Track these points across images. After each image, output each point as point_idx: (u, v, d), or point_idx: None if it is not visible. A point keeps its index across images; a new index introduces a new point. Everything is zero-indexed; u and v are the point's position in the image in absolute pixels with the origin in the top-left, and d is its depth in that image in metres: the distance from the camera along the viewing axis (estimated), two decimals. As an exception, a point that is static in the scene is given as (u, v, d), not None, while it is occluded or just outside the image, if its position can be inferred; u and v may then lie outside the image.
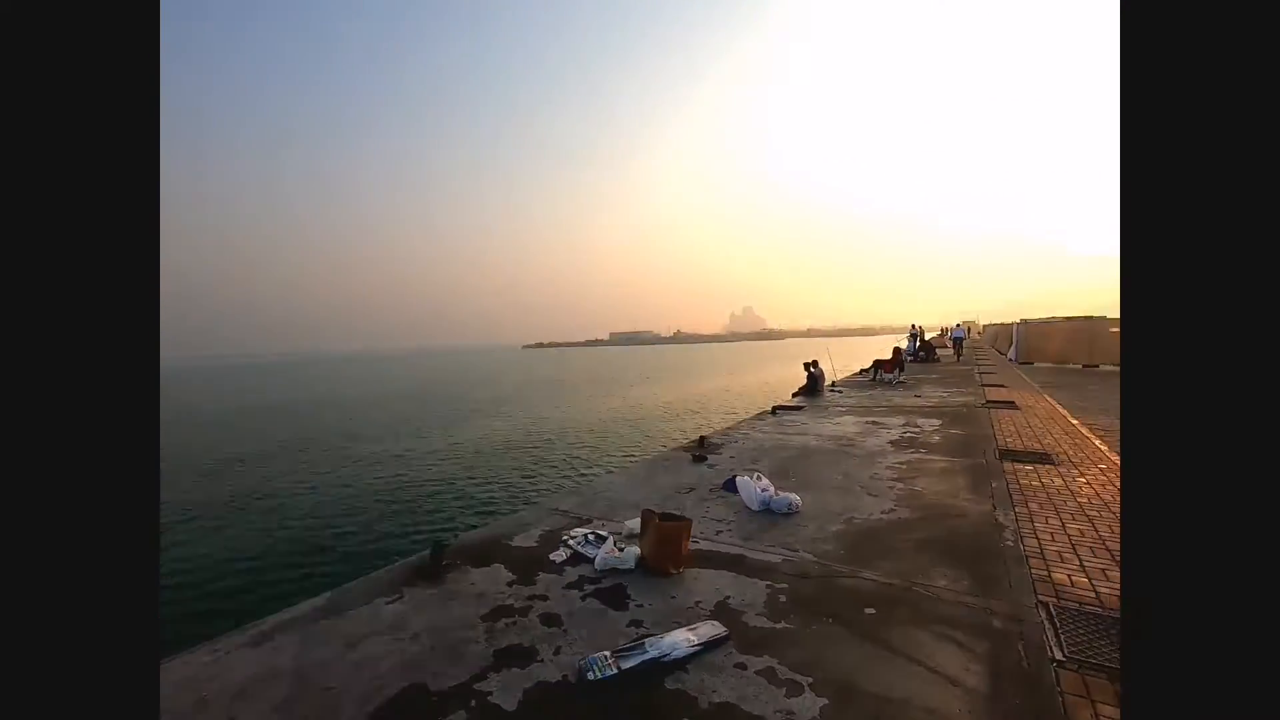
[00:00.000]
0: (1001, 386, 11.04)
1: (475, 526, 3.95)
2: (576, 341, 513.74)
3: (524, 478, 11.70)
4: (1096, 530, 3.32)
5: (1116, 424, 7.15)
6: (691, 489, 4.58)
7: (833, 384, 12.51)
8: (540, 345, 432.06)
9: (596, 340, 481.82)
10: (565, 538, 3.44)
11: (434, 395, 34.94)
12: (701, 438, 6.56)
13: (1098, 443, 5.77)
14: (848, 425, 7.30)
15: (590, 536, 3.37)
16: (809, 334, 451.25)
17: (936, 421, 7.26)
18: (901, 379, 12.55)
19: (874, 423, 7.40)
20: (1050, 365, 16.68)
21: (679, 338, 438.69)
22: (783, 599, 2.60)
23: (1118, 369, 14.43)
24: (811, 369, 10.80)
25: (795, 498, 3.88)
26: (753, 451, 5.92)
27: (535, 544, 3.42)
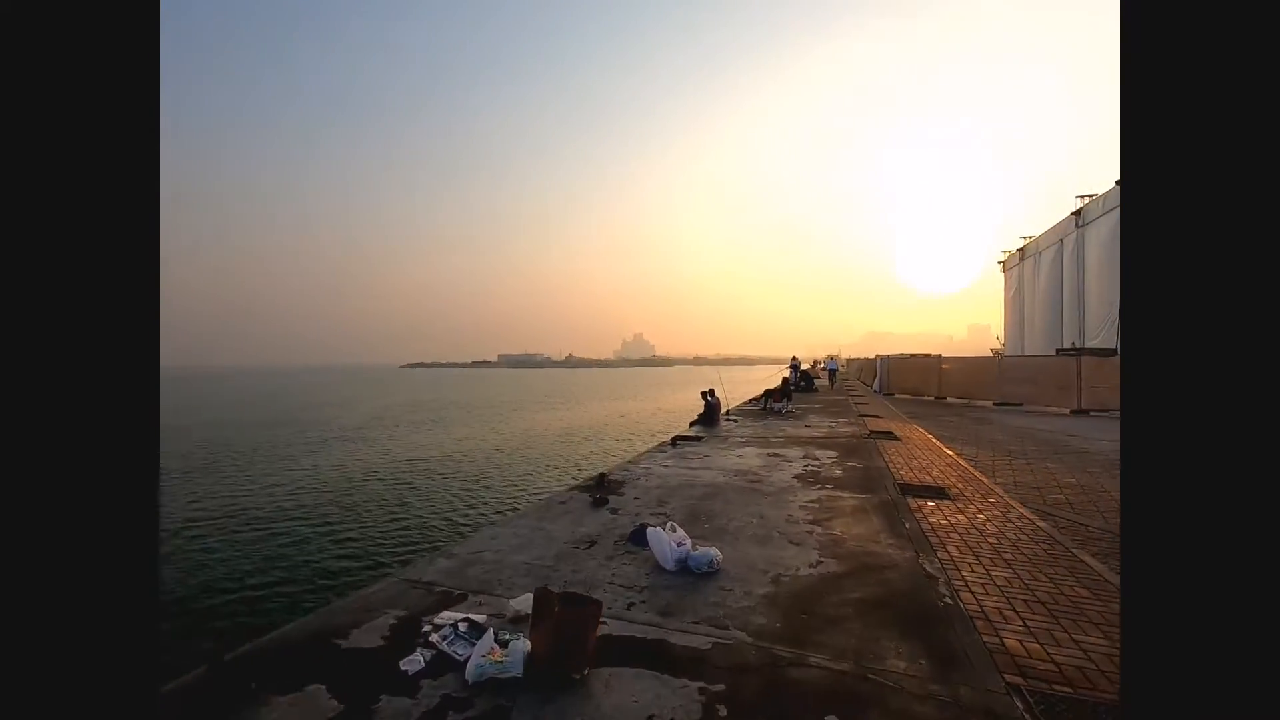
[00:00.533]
0: (877, 417, 11.79)
1: (295, 617, 2.86)
2: (462, 362, 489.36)
3: (378, 532, 9.31)
4: (1020, 576, 3.18)
5: (983, 453, 7.73)
6: (593, 542, 3.85)
7: (727, 413, 12.55)
8: (420, 365, 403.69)
9: (485, 361, 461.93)
10: (426, 629, 2.53)
11: (266, 420, 29.17)
12: (601, 475, 5.87)
13: (978, 474, 6.06)
14: (750, 458, 7.07)
15: (461, 626, 2.50)
16: (695, 361, 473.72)
17: (833, 454, 7.30)
18: (790, 408, 12.97)
19: (775, 455, 7.25)
20: (908, 396, 18.53)
21: (570, 362, 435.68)
22: (723, 712, 1.97)
23: (961, 400, 16.38)
24: (709, 397, 10.67)
25: (715, 553, 3.33)
26: (659, 491, 5.35)
27: (381, 641, 2.47)
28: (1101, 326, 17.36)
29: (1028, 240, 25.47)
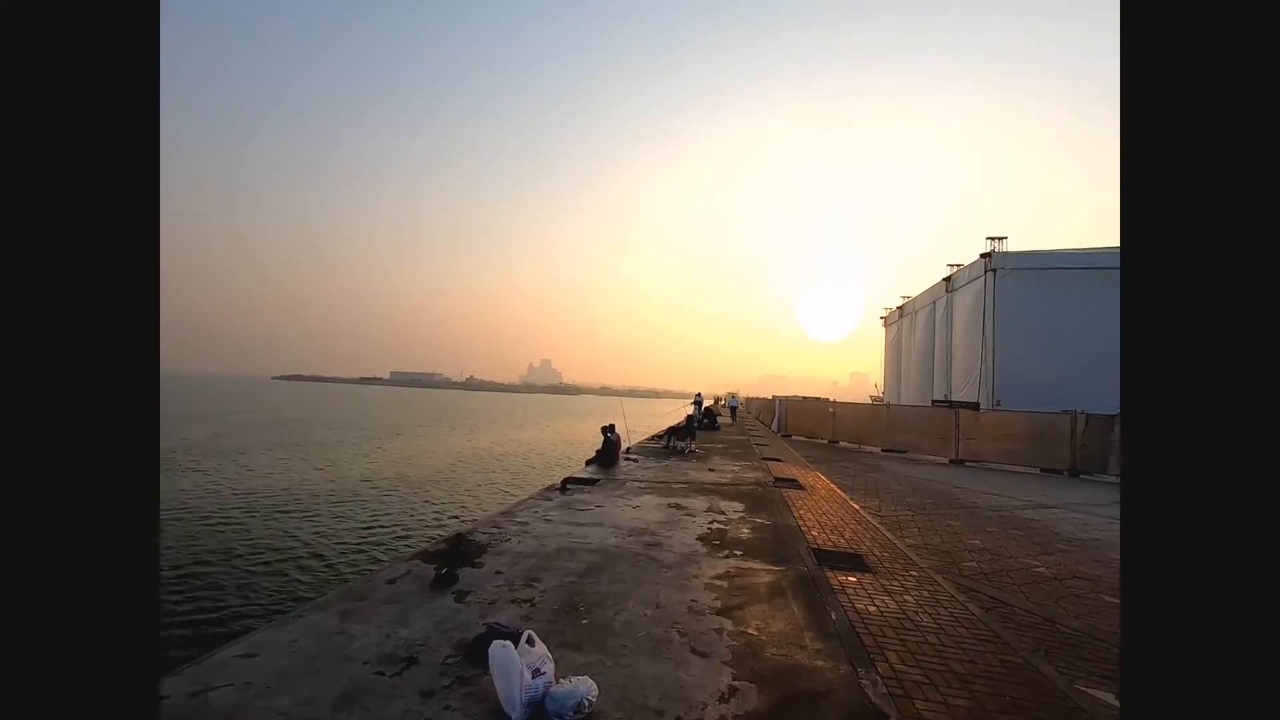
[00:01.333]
0: (779, 460, 11.46)
1: None
2: (346, 377, 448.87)
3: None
4: (984, 707, 2.43)
5: (885, 505, 7.42)
6: (412, 660, 2.59)
7: (628, 450, 11.60)
8: (297, 377, 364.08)
9: (374, 378, 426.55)
10: None
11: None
12: (458, 536, 4.54)
13: (889, 535, 5.56)
14: (649, 509, 6.10)
15: None
16: (602, 391, 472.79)
17: (739, 506, 6.54)
18: (693, 447, 12.32)
19: (676, 506, 6.35)
20: (804, 438, 18.84)
21: (471, 384, 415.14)
22: None
23: (852, 444, 16.85)
24: (609, 434, 9.65)
25: (586, 690, 2.24)
26: (531, 561, 4.16)
27: None
28: (966, 382, 19.02)
29: (906, 300, 27.96)
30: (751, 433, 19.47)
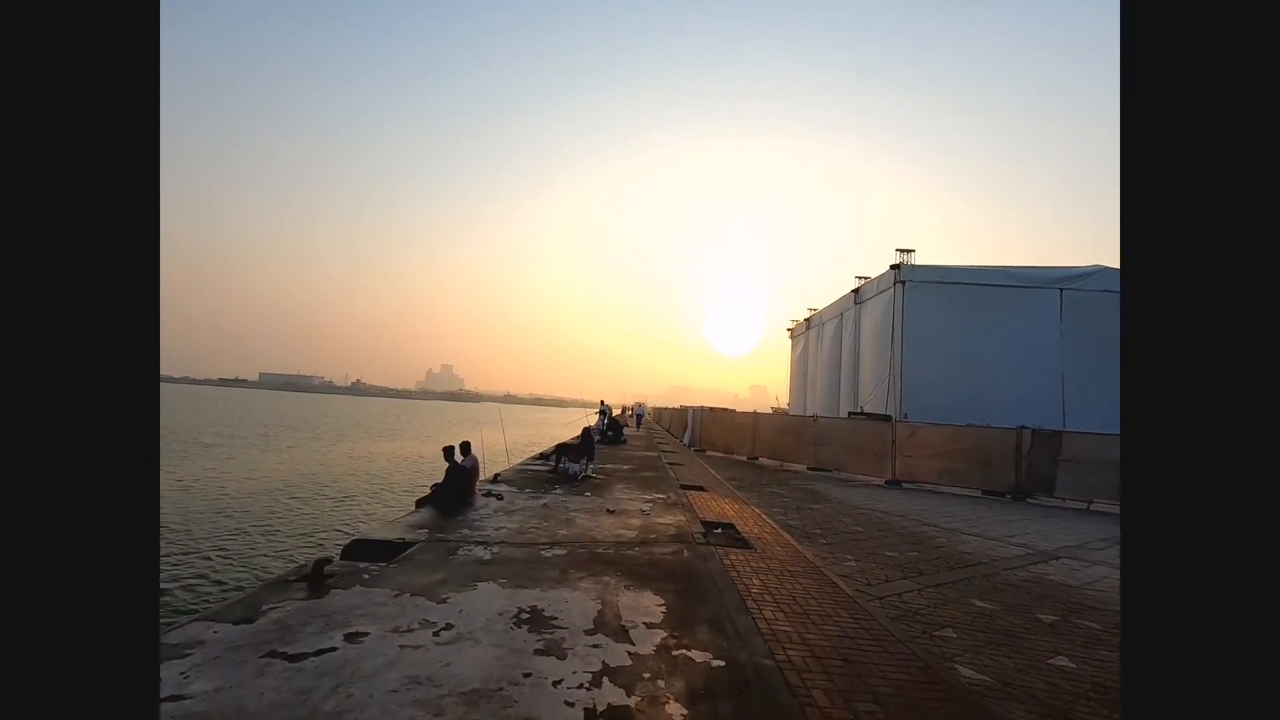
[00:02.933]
0: (701, 489, 8.74)
1: None
2: (203, 379, 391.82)
3: None
4: None
5: (871, 570, 4.86)
6: None
7: (495, 477, 8.26)
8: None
9: (239, 379, 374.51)
10: None
11: None
12: None
13: (947, 676, 2.90)
14: (479, 632, 2.93)
15: None
16: (507, 399, 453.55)
17: (657, 601, 3.58)
18: (590, 471, 9.27)
19: (535, 619, 3.23)
20: (720, 454, 16.52)
21: (357, 388, 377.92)
22: None
23: (774, 462, 14.72)
24: (456, 460, 6.27)
25: None
26: None
27: None
28: (873, 394, 18.01)
29: (813, 312, 27.21)
30: (662, 447, 16.84)
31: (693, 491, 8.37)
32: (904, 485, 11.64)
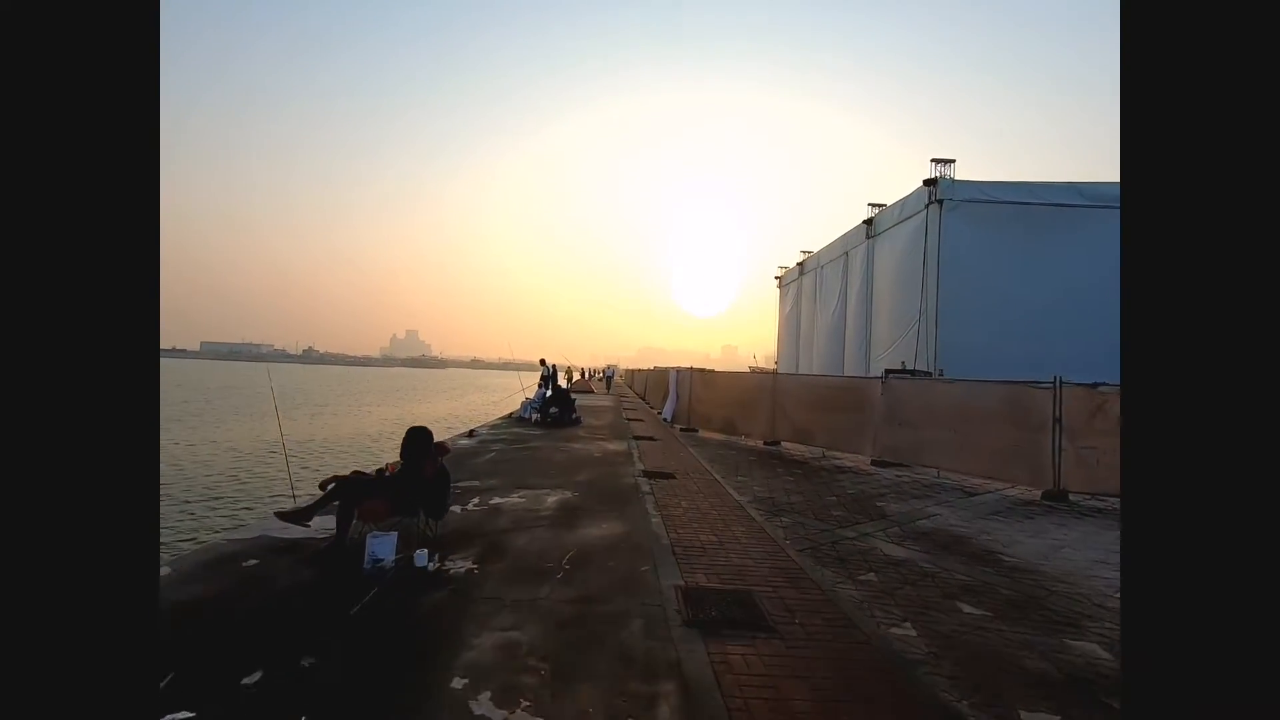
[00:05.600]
0: (695, 519, 5.31)
1: None
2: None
3: None
4: None
5: None
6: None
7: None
8: None
9: (179, 350, 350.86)
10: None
11: None
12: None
13: None
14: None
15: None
16: (474, 364, 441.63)
17: None
18: (433, 527, 5.68)
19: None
20: (719, 437, 11.65)
21: (309, 356, 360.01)
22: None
23: (807, 449, 9.81)
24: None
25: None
26: None
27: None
28: (892, 348, 14.83)
29: (807, 255, 23.65)
30: (631, 421, 13.30)
31: (680, 524, 4.86)
32: (1072, 498, 6.34)
